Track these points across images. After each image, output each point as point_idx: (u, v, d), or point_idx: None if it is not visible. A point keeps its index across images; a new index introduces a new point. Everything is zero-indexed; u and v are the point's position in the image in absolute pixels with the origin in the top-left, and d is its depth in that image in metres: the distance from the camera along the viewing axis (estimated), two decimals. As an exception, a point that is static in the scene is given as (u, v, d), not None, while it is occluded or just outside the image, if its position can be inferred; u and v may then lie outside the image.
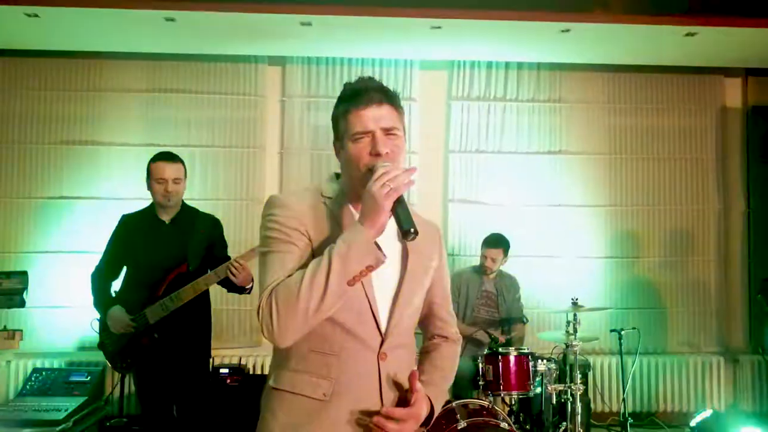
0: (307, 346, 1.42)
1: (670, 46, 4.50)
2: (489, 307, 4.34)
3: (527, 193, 5.03)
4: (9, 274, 2.77)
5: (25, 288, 2.89)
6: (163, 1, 3.80)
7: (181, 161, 3.17)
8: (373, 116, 1.42)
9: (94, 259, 4.61)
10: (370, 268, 1.33)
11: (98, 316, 3.21)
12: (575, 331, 3.61)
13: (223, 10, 3.84)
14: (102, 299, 3.15)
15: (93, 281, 3.20)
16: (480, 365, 3.65)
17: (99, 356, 4.53)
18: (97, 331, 3.25)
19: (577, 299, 3.68)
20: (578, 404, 3.61)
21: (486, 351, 3.66)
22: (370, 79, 1.51)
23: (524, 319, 4.33)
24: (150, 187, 3.12)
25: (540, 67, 5.05)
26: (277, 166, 5.00)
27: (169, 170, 3.06)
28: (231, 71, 4.90)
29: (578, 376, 3.62)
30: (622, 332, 4.01)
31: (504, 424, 3.28)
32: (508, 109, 5.06)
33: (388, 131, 1.43)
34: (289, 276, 1.35)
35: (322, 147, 4.95)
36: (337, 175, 1.57)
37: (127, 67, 4.87)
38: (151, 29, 4.18)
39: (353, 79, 1.52)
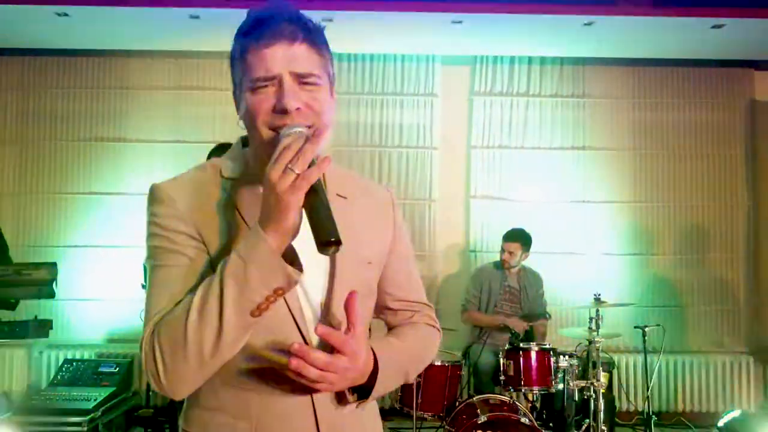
0: (218, 378, 1.02)
1: (697, 38, 4.43)
2: (512, 303, 4.33)
3: (550, 189, 5.00)
4: (38, 265, 2.84)
5: (54, 279, 2.96)
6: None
7: None
8: (280, 56, 0.99)
9: (123, 253, 4.76)
10: (279, 292, 0.93)
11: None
12: (597, 327, 3.58)
13: (244, 7, 3.88)
14: None
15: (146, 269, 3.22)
16: (501, 360, 3.64)
17: (127, 348, 4.68)
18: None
19: (599, 295, 3.65)
20: (601, 401, 3.57)
21: (507, 346, 3.64)
22: (284, 3, 1.04)
23: (547, 315, 4.30)
24: None
25: (563, 62, 5.01)
26: (299, 163, 5.04)
27: None
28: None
29: (600, 373, 3.58)
30: (646, 329, 3.95)
31: (525, 420, 3.27)
32: (531, 104, 5.03)
33: (302, 78, 1.00)
34: (177, 303, 0.99)
35: (345, 144, 4.98)
36: (244, 143, 1.13)
37: (153, 65, 4.96)
38: (177, 27, 4.25)
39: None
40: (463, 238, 5.08)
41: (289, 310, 1.03)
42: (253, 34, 1.01)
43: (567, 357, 3.60)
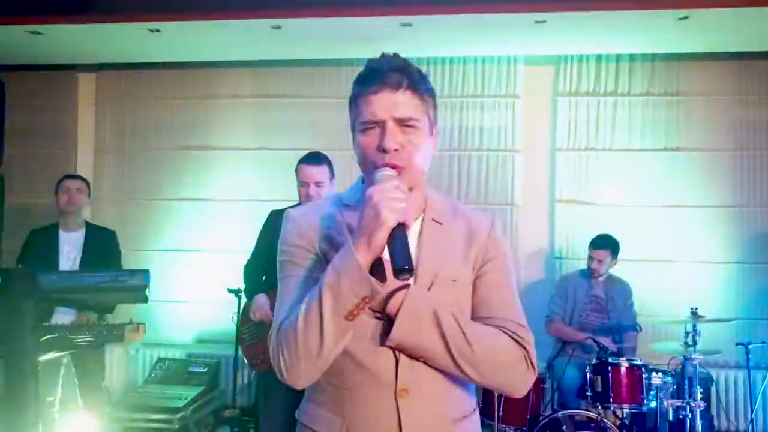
0: (324, 377, 1.19)
1: (808, 29, 4.06)
2: (599, 313, 4.14)
3: (641, 192, 4.74)
4: (133, 272, 2.97)
5: (147, 285, 3.10)
6: (270, 9, 3.94)
7: (326, 162, 3.11)
8: (385, 103, 1.16)
9: (210, 257, 4.94)
10: (366, 300, 1.09)
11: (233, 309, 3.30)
12: (695, 343, 3.35)
13: (325, 16, 3.93)
14: (251, 288, 3.29)
15: (245, 273, 3.34)
16: (588, 375, 3.48)
17: (215, 349, 4.85)
18: (236, 324, 3.42)
19: (696, 309, 3.41)
20: (698, 422, 3.35)
21: (594, 360, 3.48)
22: (394, 56, 1.22)
23: (637, 328, 4.09)
24: (297, 188, 3.11)
25: (655, 58, 4.73)
26: (377, 168, 5.04)
27: (310, 173, 3.03)
28: (334, 75, 5.00)
29: (697, 392, 3.36)
30: (750, 346, 3.66)
31: (613, 439, 3.12)
32: (620, 103, 4.79)
33: (403, 122, 1.17)
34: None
35: (424, 148, 4.94)
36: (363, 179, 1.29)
37: (237, 75, 5.11)
38: (259, 37, 4.35)
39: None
40: (547, 244, 4.91)
41: (376, 318, 1.17)
42: (365, 83, 1.19)
43: (660, 373, 3.40)
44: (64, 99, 5.25)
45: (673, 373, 3.55)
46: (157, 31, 4.26)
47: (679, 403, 3.36)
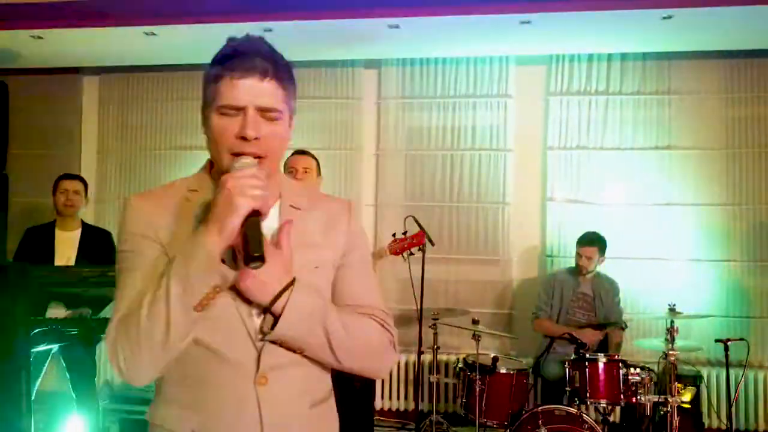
0: (176, 373, 1.13)
1: (796, 26, 4.05)
2: (585, 310, 4.17)
3: (631, 191, 4.75)
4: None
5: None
6: (260, 14, 4.04)
7: (314, 157, 3.25)
8: (250, 90, 1.11)
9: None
10: (217, 290, 1.05)
11: None
12: (673, 339, 3.37)
13: (313, 18, 4.01)
14: None
15: None
16: (567, 370, 3.52)
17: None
18: None
19: (674, 305, 3.44)
20: (676, 418, 3.36)
21: (572, 356, 3.52)
22: (260, 40, 1.17)
23: (623, 325, 4.11)
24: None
25: (646, 57, 4.74)
26: (373, 168, 5.13)
27: (299, 159, 3.17)
28: (329, 76, 5.09)
29: (676, 388, 3.37)
30: (729, 343, 3.67)
31: (590, 433, 3.15)
32: (611, 102, 4.81)
33: (265, 111, 1.12)
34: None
35: (418, 147, 5.02)
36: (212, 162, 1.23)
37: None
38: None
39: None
40: (539, 242, 4.94)
41: (236, 308, 1.11)
42: (228, 64, 1.12)
43: (638, 369, 3.42)
44: (68, 101, 5.41)
45: (656, 369, 3.57)
46: (153, 34, 4.38)
47: (656, 399, 3.38)
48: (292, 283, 1.10)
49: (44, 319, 3.16)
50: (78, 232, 3.86)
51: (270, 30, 4.23)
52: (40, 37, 4.51)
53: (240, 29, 4.21)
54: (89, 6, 4.18)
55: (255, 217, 1.05)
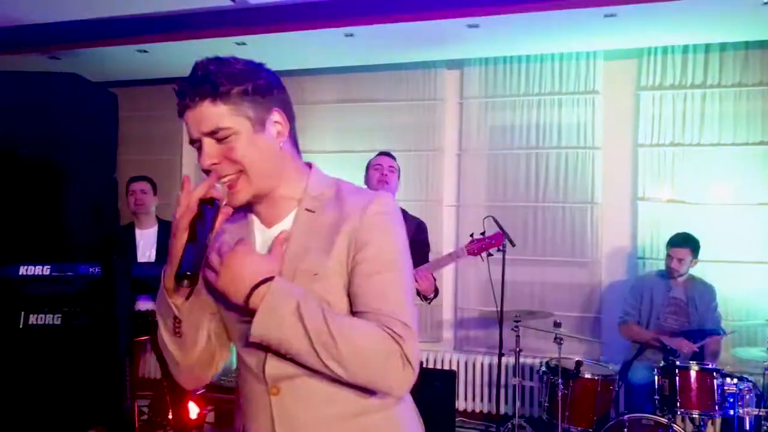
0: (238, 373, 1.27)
1: None
2: (678, 316, 3.95)
3: (733, 189, 4.45)
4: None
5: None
6: (341, 19, 4.14)
7: (396, 161, 3.48)
8: (192, 121, 1.12)
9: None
10: (177, 321, 1.15)
11: None
12: (775, 348, 3.13)
13: (391, 22, 4.06)
14: None
15: None
16: (656, 378, 3.36)
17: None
18: None
19: (777, 312, 3.19)
20: (779, 433, 3.13)
21: (661, 363, 3.35)
22: (200, 64, 1.13)
23: (721, 332, 3.85)
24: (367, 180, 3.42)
25: (748, 46, 4.42)
26: (455, 168, 5.12)
27: (384, 159, 3.42)
28: (411, 78, 5.13)
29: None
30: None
31: (679, 445, 2.99)
32: (709, 96, 4.52)
33: (212, 135, 1.11)
34: None
35: (499, 147, 4.96)
36: None
37: (319, 81, 5.37)
38: (334, 45, 4.56)
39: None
40: (629, 243, 4.74)
41: (237, 312, 1.17)
42: (177, 103, 1.15)
43: (735, 380, 3.21)
44: (171, 109, 5.76)
45: (755, 381, 3.33)
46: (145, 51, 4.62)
47: (756, 412, 3.15)
48: (264, 281, 1.05)
49: (142, 312, 3.42)
50: (155, 229, 4.10)
51: (351, 35, 4.34)
52: (145, 51, 4.86)
53: (320, 36, 4.34)
54: (188, 19, 4.46)
55: (192, 237, 1.07)
